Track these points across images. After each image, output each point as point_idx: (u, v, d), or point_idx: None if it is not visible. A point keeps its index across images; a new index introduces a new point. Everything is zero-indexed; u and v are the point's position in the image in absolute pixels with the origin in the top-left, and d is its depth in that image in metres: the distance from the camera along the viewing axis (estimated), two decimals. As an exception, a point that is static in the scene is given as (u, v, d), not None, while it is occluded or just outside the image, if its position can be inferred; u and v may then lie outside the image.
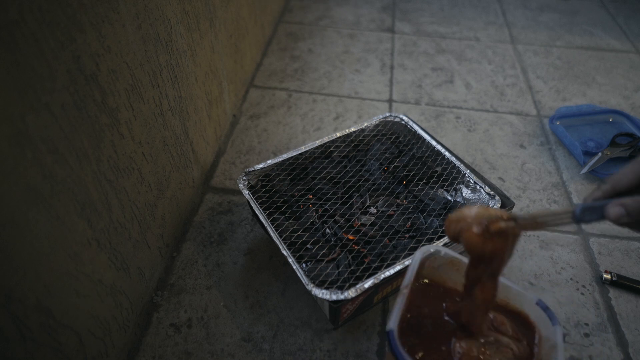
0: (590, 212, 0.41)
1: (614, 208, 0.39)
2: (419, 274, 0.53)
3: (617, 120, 1.00)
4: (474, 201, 0.69)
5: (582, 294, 0.69)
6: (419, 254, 0.52)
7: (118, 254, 0.54)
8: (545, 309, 0.49)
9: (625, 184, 0.40)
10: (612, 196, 0.41)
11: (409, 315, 0.51)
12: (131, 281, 0.58)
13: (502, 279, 0.49)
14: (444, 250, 0.54)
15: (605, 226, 0.79)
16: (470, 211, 0.44)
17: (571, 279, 0.71)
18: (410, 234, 0.66)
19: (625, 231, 0.78)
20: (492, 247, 0.43)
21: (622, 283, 0.69)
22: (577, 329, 0.64)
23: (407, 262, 0.57)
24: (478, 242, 0.43)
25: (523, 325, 0.51)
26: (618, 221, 0.39)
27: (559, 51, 1.27)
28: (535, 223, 0.43)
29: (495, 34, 1.35)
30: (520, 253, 0.74)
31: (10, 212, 0.36)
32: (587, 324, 0.65)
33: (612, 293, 0.69)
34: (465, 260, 0.51)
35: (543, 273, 0.71)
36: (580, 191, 0.85)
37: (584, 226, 0.78)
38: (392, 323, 0.44)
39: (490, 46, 1.29)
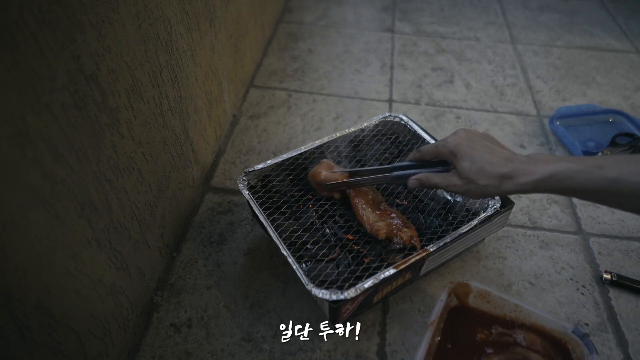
0: (399, 179, 0.60)
1: (412, 180, 0.57)
2: (447, 306, 0.59)
3: (617, 120, 1.00)
4: (473, 201, 0.69)
5: (582, 294, 0.69)
6: (445, 293, 0.58)
7: (118, 254, 0.54)
8: (582, 337, 0.52)
9: (429, 157, 0.57)
10: (419, 160, 0.59)
11: (438, 339, 0.56)
12: (131, 281, 0.58)
13: (539, 311, 0.57)
14: (474, 283, 0.60)
15: (606, 226, 0.79)
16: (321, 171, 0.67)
17: (571, 279, 0.71)
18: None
19: (626, 231, 0.78)
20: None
21: (622, 283, 0.69)
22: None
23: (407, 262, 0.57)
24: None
25: (559, 349, 0.55)
26: (413, 189, 0.64)
27: (559, 51, 1.27)
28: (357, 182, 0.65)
29: (495, 34, 1.35)
30: (520, 253, 0.74)
31: (10, 212, 0.36)
32: (587, 324, 0.65)
33: (612, 293, 0.69)
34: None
35: (543, 273, 0.71)
36: (580, 191, 0.85)
37: (583, 226, 0.78)
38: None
39: (490, 46, 1.29)
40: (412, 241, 0.61)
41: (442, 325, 0.57)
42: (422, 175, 0.56)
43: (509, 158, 0.49)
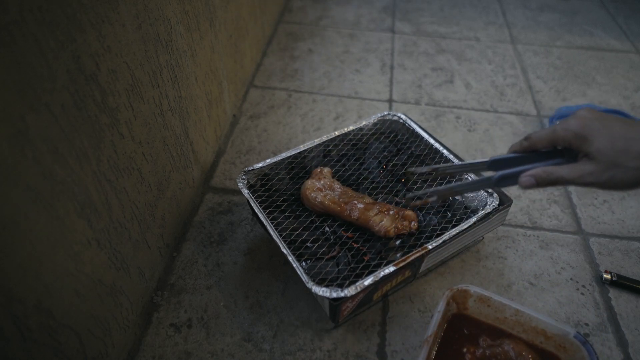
0: (505, 181, 0.46)
1: (525, 178, 0.45)
2: (444, 317, 0.57)
3: (617, 120, 1.00)
4: (472, 199, 0.69)
5: (582, 294, 0.69)
6: (443, 303, 0.56)
7: (118, 254, 0.54)
8: (584, 343, 0.51)
9: (541, 146, 0.46)
10: (528, 151, 0.47)
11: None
12: (131, 281, 0.58)
13: (540, 315, 0.55)
14: (473, 288, 0.58)
15: (606, 226, 0.79)
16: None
17: (571, 279, 0.71)
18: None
19: (626, 231, 0.78)
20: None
21: (622, 283, 0.69)
22: (577, 329, 0.64)
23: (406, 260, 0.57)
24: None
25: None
26: (528, 189, 0.45)
27: (559, 51, 1.27)
28: (451, 192, 0.52)
29: (495, 34, 1.35)
30: (521, 253, 0.74)
31: (10, 212, 0.36)
32: (587, 324, 0.65)
33: (612, 293, 0.69)
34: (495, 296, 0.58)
35: (543, 273, 0.71)
36: (580, 191, 0.85)
37: (583, 226, 0.78)
38: None
39: (490, 46, 1.29)
40: (411, 225, 0.63)
41: (441, 334, 0.57)
42: (540, 170, 0.44)
43: None
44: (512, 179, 0.46)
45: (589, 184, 0.42)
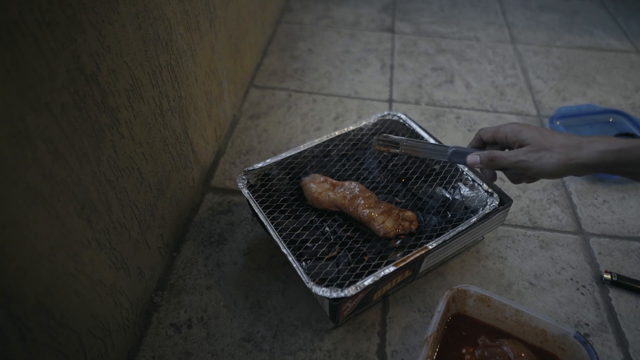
0: (457, 156, 0.56)
1: (472, 156, 0.54)
2: (444, 317, 0.58)
3: (617, 120, 1.00)
4: (472, 199, 0.69)
5: (582, 294, 0.69)
6: (443, 303, 0.57)
7: (118, 254, 0.54)
8: (584, 343, 0.52)
9: (485, 138, 0.55)
10: (480, 145, 0.56)
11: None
12: (131, 281, 0.58)
13: (540, 315, 0.56)
14: (473, 288, 0.59)
15: (606, 226, 0.79)
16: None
17: (571, 279, 0.71)
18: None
19: (626, 231, 0.78)
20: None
21: (622, 283, 0.69)
22: (577, 329, 0.64)
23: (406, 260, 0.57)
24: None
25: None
26: (473, 166, 0.55)
27: (559, 51, 1.27)
28: (413, 150, 0.61)
29: (495, 34, 1.35)
30: (521, 253, 0.74)
31: (10, 212, 0.36)
32: (587, 324, 0.65)
33: (612, 293, 0.69)
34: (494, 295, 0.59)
35: (543, 273, 0.71)
36: (580, 191, 0.85)
37: (583, 226, 0.78)
38: None
39: (490, 46, 1.29)
40: (411, 225, 0.64)
41: (442, 334, 0.57)
42: (486, 151, 0.53)
43: (577, 135, 0.47)
44: (462, 156, 0.56)
45: (522, 164, 0.49)
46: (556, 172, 0.47)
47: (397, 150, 0.61)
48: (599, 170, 0.46)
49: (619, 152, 0.44)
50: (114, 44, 0.49)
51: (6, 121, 0.35)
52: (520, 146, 0.50)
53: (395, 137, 0.62)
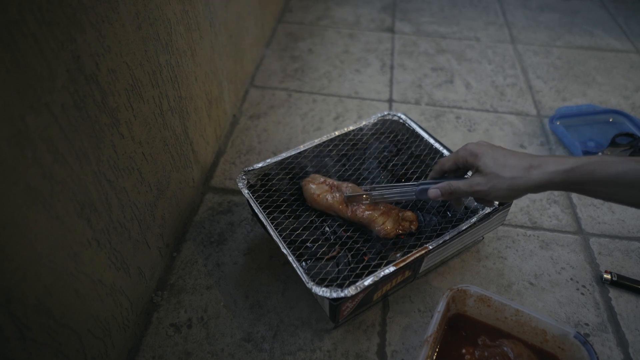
0: (421, 193, 0.57)
1: (432, 189, 0.55)
2: (444, 317, 0.58)
3: (617, 120, 1.00)
4: (472, 199, 0.69)
5: (582, 294, 0.69)
6: (443, 303, 0.57)
7: (118, 254, 0.54)
8: (584, 343, 0.52)
9: (447, 167, 0.56)
10: (441, 174, 0.57)
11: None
12: (131, 281, 0.58)
13: (540, 315, 0.57)
14: (473, 288, 0.59)
15: (606, 226, 0.79)
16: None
17: (571, 279, 0.71)
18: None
19: (626, 231, 0.78)
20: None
21: (622, 283, 0.69)
22: (578, 329, 0.64)
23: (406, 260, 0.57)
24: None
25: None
26: (436, 199, 0.56)
27: (559, 51, 1.27)
28: (382, 198, 0.62)
29: (495, 34, 1.35)
30: (521, 253, 0.74)
31: (10, 212, 0.36)
32: (587, 324, 0.65)
33: (612, 293, 0.69)
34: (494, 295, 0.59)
35: (543, 273, 0.71)
36: (580, 191, 0.85)
37: (583, 226, 0.78)
38: None
39: (490, 46, 1.29)
40: (411, 225, 0.64)
41: (441, 334, 0.57)
42: (444, 183, 0.54)
43: (532, 155, 0.49)
44: (425, 193, 0.57)
45: (478, 192, 0.51)
46: (510, 196, 0.49)
47: (367, 202, 0.64)
48: (551, 189, 0.47)
49: (566, 172, 0.45)
50: (114, 44, 0.49)
51: (6, 121, 0.35)
52: (478, 171, 0.51)
53: (361, 191, 0.64)
